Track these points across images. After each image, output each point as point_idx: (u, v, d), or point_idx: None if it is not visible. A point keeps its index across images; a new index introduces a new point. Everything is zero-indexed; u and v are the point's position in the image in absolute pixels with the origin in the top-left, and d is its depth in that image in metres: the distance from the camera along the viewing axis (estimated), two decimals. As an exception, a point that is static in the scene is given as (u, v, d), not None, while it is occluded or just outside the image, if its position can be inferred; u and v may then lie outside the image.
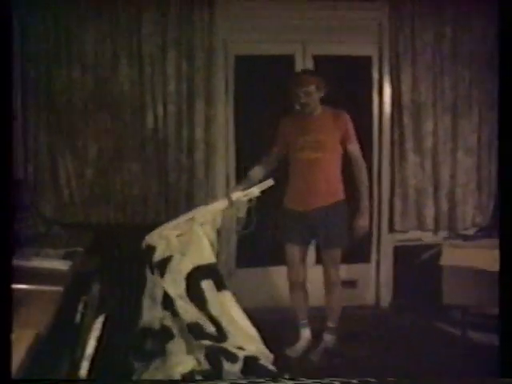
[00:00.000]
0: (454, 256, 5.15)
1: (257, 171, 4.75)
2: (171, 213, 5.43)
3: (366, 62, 5.79)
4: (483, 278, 4.84)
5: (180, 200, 5.45)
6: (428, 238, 5.84)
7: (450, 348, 4.85)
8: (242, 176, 5.63)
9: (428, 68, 5.74)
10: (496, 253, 4.98)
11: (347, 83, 5.64)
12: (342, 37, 5.68)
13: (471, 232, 5.75)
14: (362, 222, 4.63)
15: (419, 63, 5.72)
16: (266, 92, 5.72)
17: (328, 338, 4.78)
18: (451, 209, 5.87)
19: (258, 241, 5.78)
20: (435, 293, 5.15)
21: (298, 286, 4.81)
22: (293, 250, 4.74)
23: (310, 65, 5.65)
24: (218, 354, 4.03)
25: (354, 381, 2.77)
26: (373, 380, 2.79)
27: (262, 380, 3.14)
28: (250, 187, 4.57)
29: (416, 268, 5.66)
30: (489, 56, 5.78)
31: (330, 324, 4.80)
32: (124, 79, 5.34)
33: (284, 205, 4.79)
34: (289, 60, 5.71)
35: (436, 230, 5.86)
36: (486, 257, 5.01)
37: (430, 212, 5.83)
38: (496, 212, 5.89)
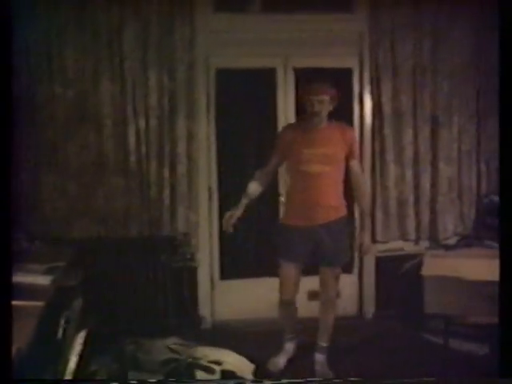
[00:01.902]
0: (436, 266, 5.18)
1: (254, 187, 4.56)
2: (154, 227, 5.45)
3: (346, 73, 5.82)
4: (465, 287, 4.89)
5: (162, 214, 5.45)
6: (410, 247, 5.86)
7: (433, 357, 4.87)
8: (224, 190, 5.70)
9: (408, 79, 5.77)
10: (477, 262, 5.07)
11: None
12: (323, 49, 5.69)
13: (453, 241, 5.78)
14: (367, 239, 4.58)
15: (399, 75, 5.75)
16: (247, 105, 5.75)
17: (320, 359, 4.68)
18: (432, 219, 5.90)
19: (242, 253, 5.81)
20: (417, 303, 5.18)
21: (288, 302, 4.66)
22: (289, 268, 4.54)
23: (291, 78, 5.68)
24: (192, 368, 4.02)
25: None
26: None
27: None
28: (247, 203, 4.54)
29: (398, 278, 5.69)
30: (467, 67, 5.85)
31: (323, 343, 4.70)
32: (105, 93, 5.33)
33: (282, 221, 4.68)
34: (270, 73, 5.73)
35: (418, 240, 5.89)
36: (467, 266, 5.06)
37: (411, 222, 5.85)
38: (477, 221, 5.93)
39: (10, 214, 2.51)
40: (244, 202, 4.54)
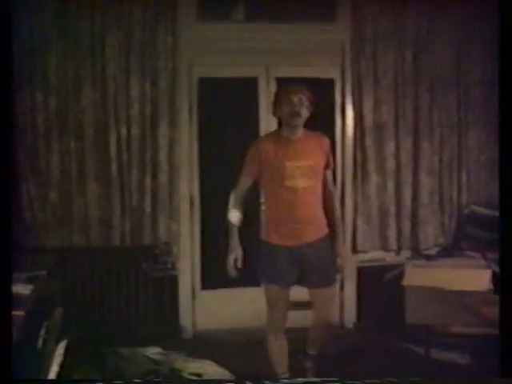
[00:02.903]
0: (417, 276, 5.20)
1: (234, 216, 4.21)
2: (135, 235, 5.43)
3: (328, 84, 5.84)
4: (446, 297, 4.90)
5: (144, 222, 5.43)
6: (391, 258, 5.88)
7: (414, 367, 4.88)
8: (206, 198, 5.69)
9: (390, 90, 5.81)
10: (458, 272, 5.09)
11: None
12: (305, 59, 5.71)
13: (434, 252, 5.80)
14: (340, 260, 4.25)
15: (381, 86, 5.79)
16: (229, 114, 5.76)
17: (310, 366, 4.45)
18: (413, 229, 5.92)
19: (223, 262, 5.79)
20: (399, 313, 5.19)
21: (278, 331, 4.27)
22: (276, 293, 4.16)
23: (273, 87, 5.69)
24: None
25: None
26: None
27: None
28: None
29: (379, 288, 5.70)
30: (449, 78, 5.89)
31: (312, 351, 4.43)
32: (87, 101, 5.32)
33: (263, 239, 4.23)
34: (252, 82, 5.74)
35: (399, 250, 5.91)
36: (448, 276, 5.08)
37: (392, 232, 5.88)
38: (458, 232, 5.96)
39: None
40: (234, 233, 4.21)
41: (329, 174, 4.28)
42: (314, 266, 4.13)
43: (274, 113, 4.20)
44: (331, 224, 4.27)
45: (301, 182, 4.04)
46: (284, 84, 5.61)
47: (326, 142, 4.24)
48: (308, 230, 4.09)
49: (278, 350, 4.30)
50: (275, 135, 4.22)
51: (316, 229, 4.14)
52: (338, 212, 4.35)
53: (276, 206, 4.16)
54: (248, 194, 4.28)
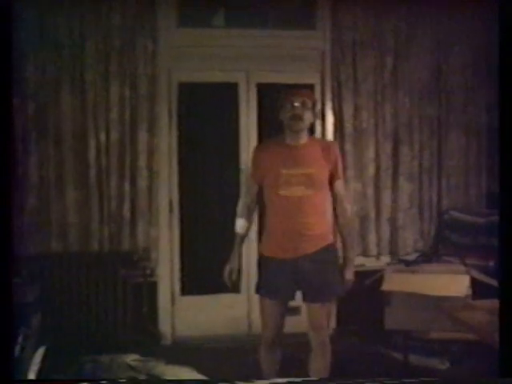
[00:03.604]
0: (396, 281, 5.21)
1: (241, 224, 4.04)
2: (114, 241, 5.40)
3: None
4: (425, 302, 4.91)
5: (122, 228, 5.41)
6: (371, 263, 5.88)
7: (393, 372, 4.89)
8: (185, 204, 5.68)
9: (369, 96, 5.83)
10: (436, 277, 5.11)
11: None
12: (285, 65, 5.73)
13: (413, 257, 5.82)
14: (349, 274, 3.98)
15: (361, 91, 5.81)
16: (209, 120, 5.76)
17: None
18: (393, 234, 5.95)
19: (203, 268, 5.78)
20: (378, 318, 5.20)
21: (272, 345, 4.03)
22: (272, 307, 3.94)
23: (253, 93, 5.70)
24: None
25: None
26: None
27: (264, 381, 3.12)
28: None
29: (359, 294, 5.68)
30: (428, 84, 5.93)
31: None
32: (66, 106, 5.30)
33: (260, 252, 4.03)
34: (232, 88, 5.74)
35: (378, 256, 5.93)
36: (427, 281, 5.10)
37: (372, 238, 5.89)
38: (437, 237, 5.99)
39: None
40: (237, 243, 4.06)
41: (338, 184, 3.99)
42: (310, 280, 3.88)
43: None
44: (340, 237, 4.04)
45: (297, 191, 3.82)
46: (264, 90, 5.67)
47: (334, 150, 3.98)
48: (304, 242, 3.85)
49: (269, 363, 4.08)
50: (277, 141, 3.98)
51: (314, 241, 3.86)
52: (350, 230, 4.09)
53: (271, 216, 3.96)
54: (256, 201, 4.09)
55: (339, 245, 4.06)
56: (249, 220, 4.07)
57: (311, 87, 5.80)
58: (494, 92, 5.86)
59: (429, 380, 3.59)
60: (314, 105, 3.91)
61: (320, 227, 3.90)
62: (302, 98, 3.83)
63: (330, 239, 3.96)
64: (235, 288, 4.11)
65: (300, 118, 3.81)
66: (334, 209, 4.01)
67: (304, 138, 3.90)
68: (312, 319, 3.97)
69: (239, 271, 4.03)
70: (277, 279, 3.89)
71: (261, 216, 4.39)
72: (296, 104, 3.81)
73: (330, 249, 3.94)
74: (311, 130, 4.03)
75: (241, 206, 4.09)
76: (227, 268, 4.00)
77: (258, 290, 4.00)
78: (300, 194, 3.82)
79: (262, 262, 3.99)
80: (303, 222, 3.84)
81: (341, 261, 4.02)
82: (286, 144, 3.90)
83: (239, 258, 4.03)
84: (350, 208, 4.09)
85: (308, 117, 3.85)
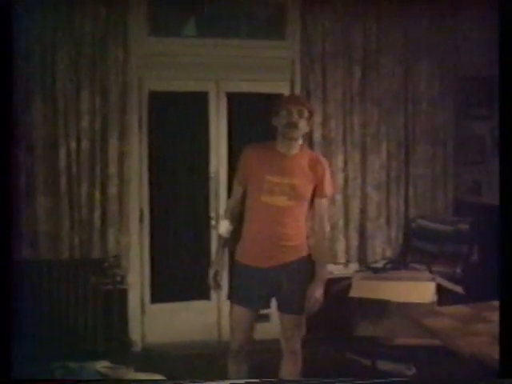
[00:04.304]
0: (363, 288, 5.27)
1: (224, 226, 3.98)
2: (84, 249, 5.40)
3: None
4: (391, 309, 4.99)
5: (93, 236, 5.42)
6: (339, 270, 5.93)
7: (362, 378, 4.93)
8: (155, 212, 5.70)
9: (338, 105, 5.89)
10: (403, 284, 5.19)
11: (260, 120, 5.73)
12: (255, 74, 5.78)
13: (380, 264, 5.88)
14: (318, 293, 3.86)
15: (329, 101, 5.87)
16: (179, 128, 5.78)
17: None
18: (361, 242, 6.01)
19: (173, 276, 5.80)
20: (346, 324, 5.25)
21: (238, 354, 3.98)
22: (241, 312, 3.90)
23: (223, 102, 5.74)
24: None
25: None
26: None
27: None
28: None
29: (327, 301, 5.73)
30: (396, 95, 6.01)
31: None
32: (37, 114, 5.29)
33: (236, 259, 3.96)
34: (202, 97, 5.77)
35: (347, 263, 5.98)
36: (394, 289, 5.16)
37: (341, 246, 5.94)
38: (404, 245, 6.06)
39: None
40: (220, 246, 4.03)
41: (322, 203, 3.91)
42: (283, 291, 3.85)
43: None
44: (313, 255, 3.94)
45: (278, 201, 3.75)
46: (234, 99, 5.71)
47: (323, 166, 3.89)
48: (280, 252, 3.81)
49: (237, 370, 4.01)
50: (268, 146, 3.89)
51: (290, 252, 3.82)
52: (324, 250, 4.03)
53: (250, 222, 3.91)
54: (240, 205, 4.00)
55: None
56: (233, 223, 3.99)
57: (304, 97, 5.86)
58: (461, 101, 6.04)
59: (398, 380, 3.63)
60: (310, 114, 3.84)
61: (297, 239, 3.85)
62: (299, 107, 3.78)
63: (305, 251, 3.91)
64: (220, 290, 4.09)
65: (295, 126, 3.74)
66: (312, 226, 3.92)
67: (296, 148, 3.83)
68: (284, 329, 3.95)
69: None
70: (250, 287, 3.85)
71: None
72: (292, 112, 3.74)
73: (305, 261, 3.90)
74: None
75: (226, 208, 4.08)
76: (212, 271, 3.97)
77: (230, 296, 3.98)
78: (281, 203, 3.76)
79: (236, 268, 3.94)
80: (281, 231, 3.79)
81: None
82: (276, 151, 3.83)
83: (223, 259, 4.05)
84: (328, 228, 4.05)
85: (303, 125, 3.79)
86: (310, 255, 3.93)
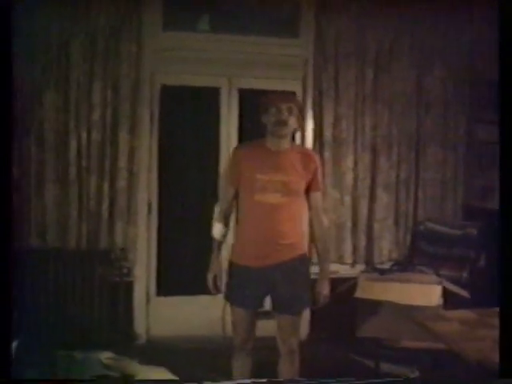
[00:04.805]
0: (369, 289, 5.26)
1: (217, 229, 3.92)
2: (92, 240, 5.42)
3: (290, 97, 5.90)
4: (396, 311, 4.98)
5: (101, 227, 5.44)
6: (346, 271, 5.93)
7: (364, 379, 4.92)
8: (164, 205, 5.71)
9: (350, 106, 5.89)
10: (409, 287, 5.18)
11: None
12: (268, 72, 5.78)
13: (387, 266, 5.88)
14: (324, 289, 3.88)
15: (341, 101, 5.87)
16: (190, 123, 5.79)
17: None
18: (369, 243, 6.01)
19: (179, 269, 5.81)
20: (350, 325, 5.25)
21: (241, 351, 3.97)
22: (241, 315, 3.87)
23: (235, 98, 5.74)
24: None
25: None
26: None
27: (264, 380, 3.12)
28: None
29: (332, 301, 5.73)
30: (408, 97, 6.00)
31: None
32: (49, 105, 5.32)
33: (231, 259, 3.90)
34: (214, 93, 5.78)
35: (353, 264, 5.98)
36: (399, 291, 5.16)
37: (348, 246, 5.95)
38: (412, 247, 6.05)
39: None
40: (215, 249, 3.94)
41: (316, 196, 3.90)
42: (279, 291, 3.80)
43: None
44: (315, 249, 3.97)
45: (271, 198, 3.71)
46: (246, 95, 5.72)
47: (314, 160, 3.88)
48: (276, 251, 3.75)
49: (240, 367, 4.00)
50: (257, 144, 3.87)
51: (286, 250, 3.77)
52: (324, 242, 3.95)
53: (244, 222, 3.87)
54: (233, 206, 4.01)
55: (314, 256, 4.04)
56: (226, 225, 3.95)
57: (293, 94, 5.86)
58: (474, 105, 6.02)
59: (398, 380, 3.61)
60: (299, 111, 3.82)
61: (293, 236, 3.80)
62: (288, 104, 3.75)
63: (302, 249, 3.88)
64: (220, 294, 3.96)
65: (285, 124, 3.71)
66: (310, 220, 3.92)
67: (286, 144, 3.80)
68: (281, 329, 3.89)
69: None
70: (246, 287, 3.80)
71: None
72: (282, 109, 3.71)
73: (302, 259, 3.85)
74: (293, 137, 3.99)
75: (217, 212, 3.97)
76: (210, 275, 3.91)
77: (227, 297, 3.93)
78: (274, 201, 3.71)
79: (232, 268, 3.87)
80: (276, 229, 3.73)
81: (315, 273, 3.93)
82: (266, 148, 3.80)
83: (220, 262, 3.94)
84: (326, 220, 3.99)
85: (292, 122, 3.76)
86: (306, 254, 3.91)
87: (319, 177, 3.88)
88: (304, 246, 3.92)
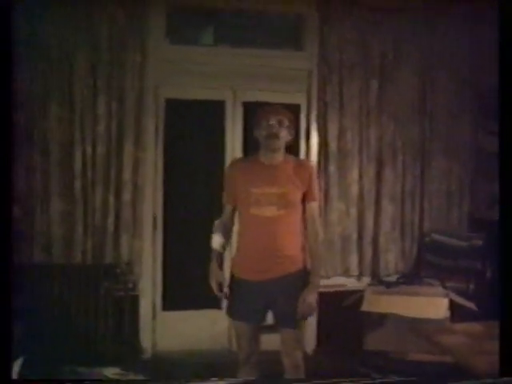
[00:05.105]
0: (376, 302, 5.24)
1: (216, 241, 3.86)
2: (97, 254, 5.41)
3: (294, 110, 5.86)
4: (403, 324, 4.95)
5: (106, 241, 5.42)
6: (352, 283, 5.91)
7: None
8: (169, 218, 5.70)
9: (354, 118, 5.88)
10: (416, 299, 5.15)
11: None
12: (272, 85, 5.77)
13: (393, 278, 5.85)
14: (311, 297, 3.76)
15: (346, 113, 5.86)
16: (195, 136, 5.79)
17: None
18: (375, 255, 5.98)
19: (185, 283, 5.79)
20: (357, 338, 5.22)
21: (248, 366, 3.92)
22: (243, 329, 3.86)
23: (239, 111, 5.74)
24: None
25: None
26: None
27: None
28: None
29: (339, 314, 5.72)
30: (413, 108, 5.99)
31: None
32: (54, 117, 5.31)
33: (231, 273, 3.91)
34: (219, 106, 5.78)
35: (359, 276, 5.95)
36: (406, 303, 5.13)
37: (354, 258, 5.92)
38: (418, 259, 6.03)
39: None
40: (213, 258, 3.86)
41: (312, 206, 3.86)
42: (280, 305, 3.77)
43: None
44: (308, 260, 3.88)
45: (267, 211, 3.71)
46: (251, 108, 5.71)
47: (308, 170, 3.88)
48: (274, 264, 3.73)
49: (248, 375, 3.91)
50: (251, 159, 3.92)
51: (285, 263, 3.75)
52: (319, 253, 3.89)
53: (242, 236, 3.87)
54: (232, 221, 3.97)
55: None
56: (225, 236, 3.90)
57: (297, 107, 5.86)
58: (479, 116, 6.00)
59: (398, 381, 3.58)
60: (290, 123, 3.81)
61: (291, 249, 3.79)
62: (278, 117, 3.75)
63: (302, 262, 3.84)
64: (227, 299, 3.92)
65: (276, 137, 3.73)
66: (306, 231, 3.87)
67: (279, 157, 3.81)
68: (284, 343, 3.86)
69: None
70: (246, 301, 3.79)
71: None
72: (272, 122, 3.73)
73: (301, 274, 3.81)
74: (289, 150, 3.94)
75: (217, 222, 3.93)
76: (213, 283, 3.84)
77: (228, 311, 3.92)
78: (270, 214, 3.71)
79: (233, 282, 3.87)
80: (274, 242, 3.73)
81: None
82: (259, 162, 3.82)
83: (222, 272, 3.88)
84: (321, 233, 3.96)
85: (284, 135, 3.76)
86: (306, 267, 3.84)
87: (314, 187, 3.87)
88: (303, 259, 3.86)
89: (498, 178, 3.08)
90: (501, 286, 2.98)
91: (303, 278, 3.81)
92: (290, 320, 3.77)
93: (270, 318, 3.92)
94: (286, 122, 3.78)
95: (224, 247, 3.90)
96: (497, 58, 3.17)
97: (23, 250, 5.26)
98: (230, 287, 3.87)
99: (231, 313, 3.90)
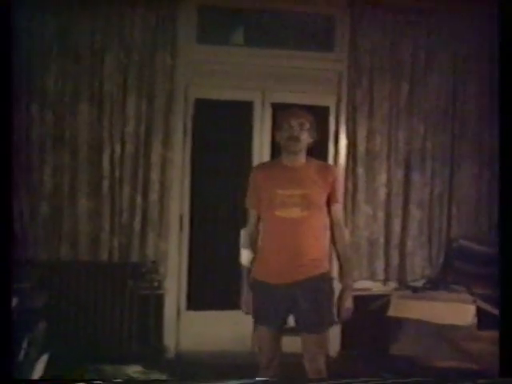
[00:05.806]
0: (402, 307, 5.20)
1: (245, 256, 3.88)
2: (123, 253, 5.43)
3: (323, 112, 5.86)
4: (429, 330, 4.91)
5: (132, 240, 5.45)
6: (378, 288, 5.87)
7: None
8: (195, 219, 5.70)
9: (384, 121, 5.85)
10: (442, 305, 5.11)
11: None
12: (302, 86, 5.76)
13: (420, 284, 5.80)
14: (348, 303, 3.79)
15: (375, 116, 5.83)
16: (223, 137, 5.78)
17: None
18: (401, 260, 5.92)
19: (210, 284, 5.79)
20: (383, 343, 5.18)
21: (267, 369, 3.86)
22: (265, 334, 3.81)
23: (268, 112, 5.73)
24: None
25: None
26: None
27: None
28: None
29: (364, 318, 5.67)
30: (443, 112, 5.93)
31: None
32: (83, 117, 5.35)
33: (254, 276, 3.85)
34: (248, 107, 5.78)
35: (386, 281, 5.91)
36: (432, 309, 5.09)
37: (380, 263, 5.87)
38: (445, 265, 5.97)
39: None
40: (245, 276, 3.88)
41: (336, 208, 3.86)
42: (303, 309, 3.72)
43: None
44: (338, 263, 3.88)
45: (292, 213, 3.69)
46: (280, 109, 5.69)
47: (332, 171, 3.91)
48: (298, 267, 3.69)
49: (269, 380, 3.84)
50: (274, 162, 3.97)
51: (308, 266, 3.71)
52: (347, 255, 3.87)
53: (266, 238, 3.84)
54: (258, 229, 3.92)
55: (335, 272, 3.96)
56: (252, 250, 3.89)
57: (326, 109, 5.83)
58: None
59: (423, 380, 3.54)
60: (311, 126, 3.80)
61: (315, 251, 3.75)
62: (300, 119, 3.76)
63: (325, 267, 3.80)
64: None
65: (297, 139, 3.73)
66: (332, 234, 3.87)
67: (301, 159, 3.81)
68: (306, 347, 3.79)
69: None
70: (268, 305, 3.75)
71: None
72: (293, 125, 3.74)
73: (324, 278, 3.78)
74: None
75: (243, 237, 3.92)
76: (243, 302, 3.88)
77: (253, 315, 3.86)
78: (295, 215, 3.69)
79: (254, 285, 3.83)
80: (298, 244, 3.69)
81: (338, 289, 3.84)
82: (282, 165, 3.83)
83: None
84: (347, 235, 3.96)
85: (305, 138, 3.76)
86: (329, 271, 3.82)
87: (338, 188, 3.89)
88: (326, 263, 3.83)
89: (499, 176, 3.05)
90: (501, 286, 2.96)
91: (326, 282, 3.79)
92: (311, 325, 3.73)
93: (290, 321, 3.86)
94: (307, 125, 3.77)
95: (251, 262, 3.87)
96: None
97: (51, 246, 5.29)
98: (254, 291, 3.83)
99: (254, 316, 3.85)
